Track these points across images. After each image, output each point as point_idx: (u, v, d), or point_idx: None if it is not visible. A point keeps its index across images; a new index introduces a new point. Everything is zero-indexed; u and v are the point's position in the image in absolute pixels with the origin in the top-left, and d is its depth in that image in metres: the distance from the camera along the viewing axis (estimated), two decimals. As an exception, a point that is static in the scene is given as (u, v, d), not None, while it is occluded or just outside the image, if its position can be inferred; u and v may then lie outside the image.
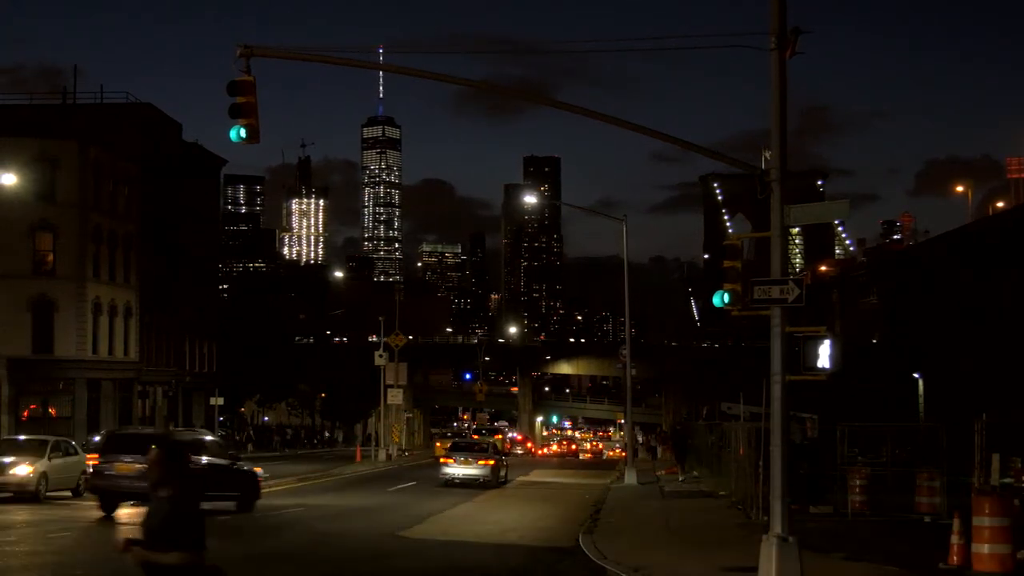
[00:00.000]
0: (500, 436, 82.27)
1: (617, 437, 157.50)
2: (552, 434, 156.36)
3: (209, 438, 30.01)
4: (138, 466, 23.15)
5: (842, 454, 25.96)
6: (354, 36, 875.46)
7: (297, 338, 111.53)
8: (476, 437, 63.27)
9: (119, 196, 64.17)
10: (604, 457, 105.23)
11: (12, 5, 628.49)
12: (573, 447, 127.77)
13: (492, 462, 40.38)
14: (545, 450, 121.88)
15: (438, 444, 75.75)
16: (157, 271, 69.23)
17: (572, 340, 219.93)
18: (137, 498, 24.87)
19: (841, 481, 25.30)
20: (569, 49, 75.37)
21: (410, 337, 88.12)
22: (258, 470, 30.14)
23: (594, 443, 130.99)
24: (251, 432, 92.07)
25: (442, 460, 42.51)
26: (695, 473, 42.71)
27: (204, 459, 25.98)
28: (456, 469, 39.89)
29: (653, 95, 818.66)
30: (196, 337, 77.46)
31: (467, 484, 38.56)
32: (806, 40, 14.37)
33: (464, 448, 42.39)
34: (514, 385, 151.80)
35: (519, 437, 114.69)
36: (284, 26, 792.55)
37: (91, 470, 27.94)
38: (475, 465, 39.93)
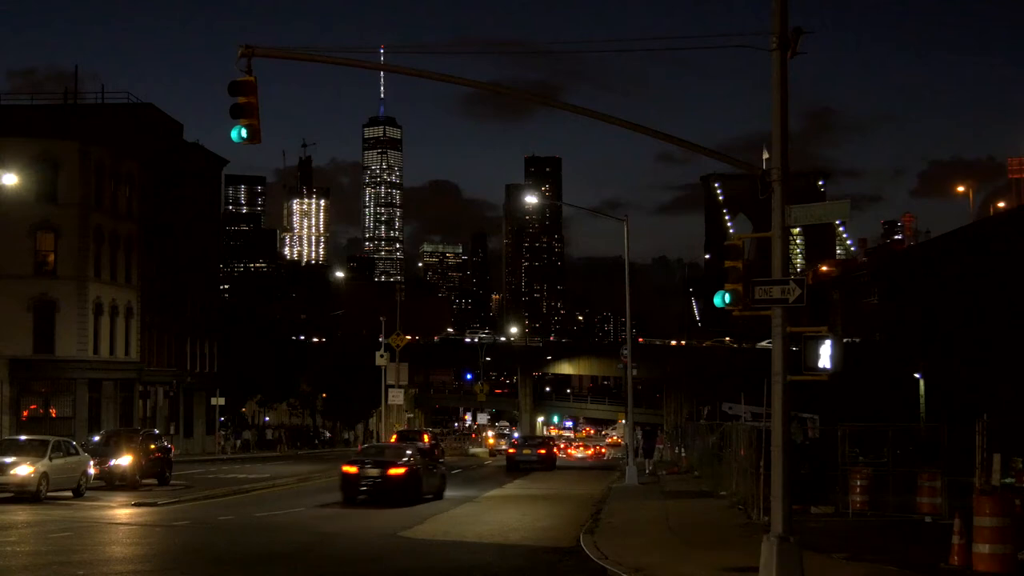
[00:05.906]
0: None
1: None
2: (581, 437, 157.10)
3: None
4: (527, 451, 55.73)
5: (843, 454, 25.90)
6: (355, 36, 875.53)
7: (294, 338, 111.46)
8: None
9: (120, 196, 64.16)
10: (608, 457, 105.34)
11: (16, 8, 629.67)
12: (603, 450, 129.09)
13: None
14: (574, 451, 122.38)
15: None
16: (158, 271, 69.22)
17: (565, 340, 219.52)
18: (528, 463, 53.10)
19: (842, 481, 25.27)
20: (571, 50, 74.49)
21: (409, 337, 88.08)
22: None
23: (593, 448, 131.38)
24: (283, 432, 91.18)
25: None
26: (695, 473, 42.72)
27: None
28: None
29: (657, 96, 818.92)
30: (197, 337, 77.45)
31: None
32: (811, 42, 14.41)
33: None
34: (515, 385, 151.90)
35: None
36: (286, 26, 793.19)
37: (510, 451, 57.87)
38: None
